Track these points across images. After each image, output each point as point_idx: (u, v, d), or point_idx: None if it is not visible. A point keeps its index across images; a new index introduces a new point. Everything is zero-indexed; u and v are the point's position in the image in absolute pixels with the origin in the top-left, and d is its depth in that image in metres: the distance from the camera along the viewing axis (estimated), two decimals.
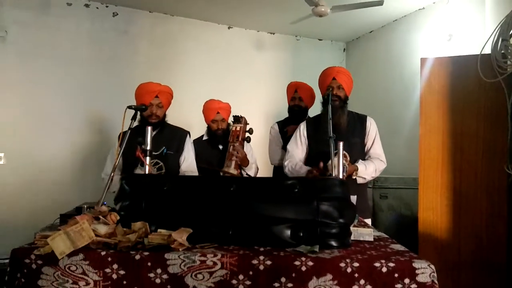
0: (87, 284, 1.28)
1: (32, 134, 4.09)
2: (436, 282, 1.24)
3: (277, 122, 3.25)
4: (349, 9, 3.89)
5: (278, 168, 3.14)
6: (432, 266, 1.25)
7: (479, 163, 2.72)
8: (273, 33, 5.38)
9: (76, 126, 4.29)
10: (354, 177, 2.43)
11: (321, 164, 2.29)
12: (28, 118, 4.09)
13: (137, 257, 1.29)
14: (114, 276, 1.29)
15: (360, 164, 2.45)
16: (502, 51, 2.53)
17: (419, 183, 2.84)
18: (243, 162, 2.78)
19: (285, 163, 2.63)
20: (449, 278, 2.66)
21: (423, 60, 2.92)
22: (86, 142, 4.31)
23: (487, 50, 2.67)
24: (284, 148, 2.94)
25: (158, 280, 1.28)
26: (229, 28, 5.13)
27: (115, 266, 1.29)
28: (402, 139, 4.31)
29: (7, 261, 1.38)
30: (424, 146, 2.84)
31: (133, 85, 2.70)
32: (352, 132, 2.54)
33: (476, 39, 3.64)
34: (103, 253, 1.31)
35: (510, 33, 2.51)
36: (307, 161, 2.60)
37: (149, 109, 2.50)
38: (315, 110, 3.01)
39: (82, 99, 4.31)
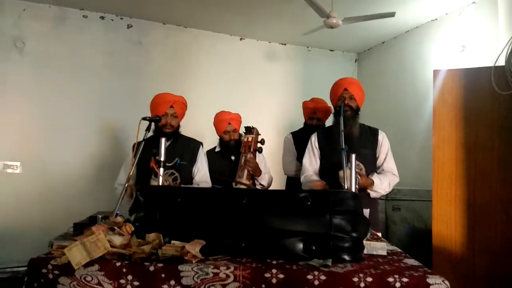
0: None
1: (48, 144, 4.17)
2: None
3: (291, 133, 3.26)
4: (361, 20, 3.90)
5: (291, 179, 3.14)
6: (447, 282, 1.24)
7: (493, 175, 2.68)
8: (285, 44, 5.42)
9: (90, 136, 4.36)
10: (368, 191, 2.42)
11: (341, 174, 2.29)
12: (43, 127, 4.17)
13: (151, 268, 1.31)
14: (129, 287, 1.30)
15: (375, 178, 2.44)
16: None
17: (432, 195, 2.81)
18: (256, 172, 2.79)
19: (302, 179, 2.64)
20: None
21: (435, 72, 2.91)
22: (100, 152, 4.37)
23: (501, 62, 2.65)
24: (299, 159, 2.95)
25: None
26: (241, 39, 5.18)
27: (129, 277, 1.31)
28: (415, 150, 4.28)
29: (21, 268, 1.41)
30: (438, 158, 2.82)
31: (146, 96, 2.74)
32: (363, 144, 2.53)
33: (490, 50, 3.62)
34: (118, 264, 1.33)
35: None
36: (321, 172, 2.60)
37: (164, 119, 2.54)
38: (328, 121, 3.02)
39: (97, 109, 4.38)
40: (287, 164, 3.17)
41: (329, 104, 2.86)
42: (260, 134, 2.97)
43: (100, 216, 2.09)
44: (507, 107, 2.63)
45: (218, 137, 3.05)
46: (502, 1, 3.34)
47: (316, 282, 1.26)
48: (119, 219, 1.61)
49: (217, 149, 3.05)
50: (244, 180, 2.69)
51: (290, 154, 3.16)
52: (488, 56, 3.59)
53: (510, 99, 2.56)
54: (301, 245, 1.42)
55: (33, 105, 4.15)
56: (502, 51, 2.64)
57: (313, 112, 3.14)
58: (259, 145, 2.90)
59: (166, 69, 4.74)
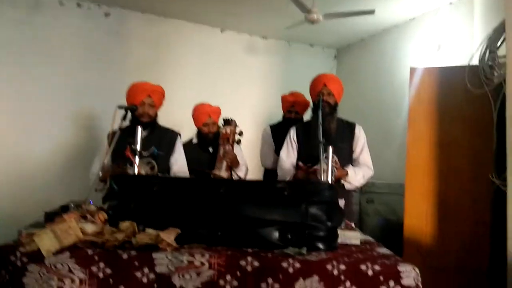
0: (73, 282, 1.27)
1: (19, 133, 4.04)
2: (420, 285, 1.26)
3: (270, 125, 3.27)
4: (341, 16, 3.94)
5: (269, 171, 3.16)
6: (417, 270, 1.27)
7: (465, 172, 2.77)
8: (266, 38, 5.41)
9: (64, 125, 4.24)
10: (343, 182, 2.46)
11: (309, 166, 2.33)
12: (15, 116, 4.03)
13: (125, 256, 1.29)
14: (101, 274, 1.28)
15: (350, 169, 2.49)
16: (490, 63, 2.59)
17: (405, 190, 2.88)
18: (234, 163, 2.79)
19: (278, 171, 2.67)
20: (433, 283, 2.68)
21: (412, 70, 2.97)
22: (74, 141, 4.26)
23: (475, 61, 2.73)
24: (276, 151, 2.96)
25: (145, 280, 1.27)
26: (221, 31, 5.14)
27: (101, 264, 1.29)
28: (392, 146, 4.36)
29: None
30: (412, 154, 2.89)
31: (124, 86, 2.69)
32: (340, 138, 2.57)
33: (465, 50, 3.71)
34: (90, 251, 1.30)
35: (498, 45, 2.57)
36: (298, 165, 2.62)
37: (141, 108, 2.49)
38: (306, 115, 3.04)
39: (72, 98, 4.27)
40: (264, 156, 3.18)
41: (308, 98, 2.89)
42: (238, 126, 2.96)
43: (72, 205, 2.04)
44: (479, 105, 2.71)
45: (196, 129, 3.03)
46: (478, 2, 3.44)
47: (291, 270, 1.27)
48: (92, 207, 1.58)
49: (194, 141, 3.03)
50: (223, 172, 2.68)
51: (267, 146, 3.17)
52: (463, 55, 3.68)
53: (483, 98, 2.63)
54: (277, 234, 1.43)
55: (6, 94, 4.00)
56: (476, 51, 2.72)
57: (291, 106, 3.16)
58: (237, 137, 2.89)
59: (145, 60, 4.65)
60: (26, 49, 4.08)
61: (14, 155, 4.00)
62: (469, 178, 2.74)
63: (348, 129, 2.66)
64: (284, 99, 3.26)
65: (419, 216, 2.81)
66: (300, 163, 2.48)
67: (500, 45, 2.56)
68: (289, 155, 2.66)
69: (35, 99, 4.10)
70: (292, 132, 2.70)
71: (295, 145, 2.67)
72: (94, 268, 1.28)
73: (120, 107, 2.17)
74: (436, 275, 2.68)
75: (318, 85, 2.61)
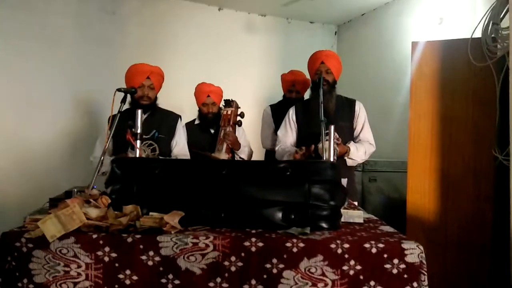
0: (79, 267, 1.28)
1: (19, 118, 4.01)
2: (424, 262, 1.27)
3: (270, 105, 3.24)
4: None
5: (270, 152, 3.15)
6: (421, 247, 1.28)
7: (467, 147, 2.75)
8: (264, 15, 5.31)
9: (64, 109, 4.21)
10: (345, 158, 2.45)
11: (312, 147, 2.30)
12: (14, 101, 4.00)
13: (129, 239, 1.30)
14: (106, 258, 1.29)
15: (352, 146, 2.48)
16: (493, 35, 2.54)
17: (407, 167, 2.87)
18: (235, 145, 2.78)
19: (276, 148, 2.66)
20: (436, 259, 2.72)
21: (414, 44, 2.91)
22: (74, 126, 4.25)
23: (478, 34, 2.68)
24: (277, 132, 2.95)
25: (150, 263, 1.28)
26: (219, 9, 5.04)
27: (107, 248, 1.29)
28: (393, 123, 4.33)
29: None
30: (414, 131, 2.87)
31: (122, 67, 2.65)
32: (340, 115, 2.55)
33: (467, 23, 3.64)
34: (94, 236, 1.31)
35: (501, 17, 2.51)
36: (298, 145, 2.61)
37: (141, 91, 2.47)
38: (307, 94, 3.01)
39: (70, 82, 4.22)
40: (264, 137, 3.17)
41: (308, 76, 2.85)
42: (239, 108, 2.94)
43: (75, 190, 2.05)
44: (482, 79, 2.67)
45: (198, 109, 3.00)
46: None
47: (295, 250, 1.27)
48: (95, 191, 1.58)
49: (196, 122, 3.01)
50: (223, 154, 2.68)
51: (268, 127, 3.15)
52: (466, 29, 3.61)
53: (486, 71, 2.60)
54: (280, 214, 1.43)
55: (2, 78, 3.96)
56: (478, 23, 2.66)
57: (292, 85, 3.12)
58: (238, 118, 2.87)
59: (142, 40, 4.58)
60: (20, 31, 4.01)
61: (15, 142, 3.99)
62: (472, 153, 2.73)
63: (348, 106, 2.64)
64: (284, 79, 3.21)
65: (421, 193, 2.81)
66: (297, 149, 2.45)
67: (503, 17, 2.51)
68: (287, 135, 2.64)
69: (32, 83, 4.06)
70: (292, 112, 2.67)
71: (294, 125, 2.64)
72: (99, 253, 1.29)
73: (119, 90, 2.15)
74: (440, 251, 2.71)
75: (315, 63, 2.56)
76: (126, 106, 2.25)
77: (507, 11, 2.39)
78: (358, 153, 2.49)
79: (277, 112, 3.08)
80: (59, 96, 4.18)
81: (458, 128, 2.78)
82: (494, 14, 2.54)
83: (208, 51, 4.90)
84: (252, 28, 5.23)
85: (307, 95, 2.90)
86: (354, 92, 3.02)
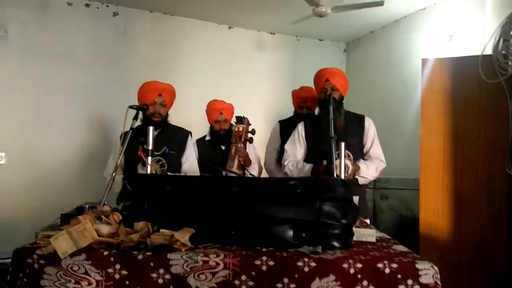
0: (90, 284, 1.28)
1: (33, 134, 4.09)
2: (439, 283, 1.24)
3: (279, 121, 3.24)
4: (350, 9, 3.89)
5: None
6: (435, 267, 1.25)
7: (480, 164, 2.71)
8: (274, 33, 5.38)
9: (77, 126, 4.28)
10: (356, 177, 2.43)
11: (324, 163, 2.29)
12: (28, 118, 4.08)
13: (140, 257, 1.29)
14: (117, 276, 1.28)
15: (362, 164, 2.45)
16: (503, 52, 2.53)
17: (420, 184, 2.83)
18: (246, 162, 2.78)
19: (285, 163, 2.61)
20: (450, 279, 2.65)
21: (424, 61, 2.91)
22: (87, 142, 4.30)
23: (488, 51, 2.67)
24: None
25: (160, 281, 1.28)
26: (229, 28, 5.13)
27: (117, 266, 1.29)
28: (403, 140, 4.31)
29: (8, 260, 1.38)
30: (425, 147, 2.84)
31: (133, 85, 2.69)
32: (350, 132, 2.53)
33: (477, 40, 3.64)
34: (105, 253, 1.31)
35: (511, 33, 2.51)
36: (306, 161, 2.59)
37: (152, 108, 2.50)
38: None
39: (83, 99, 4.30)
40: (267, 152, 3.16)
41: None
42: (250, 124, 2.96)
43: (87, 206, 2.06)
44: (494, 96, 2.65)
45: (209, 126, 3.03)
46: None
47: (306, 269, 1.26)
48: (106, 208, 1.59)
49: (207, 138, 3.03)
50: (235, 169, 2.68)
51: (273, 143, 3.15)
52: (475, 45, 3.60)
53: (497, 88, 2.58)
54: (291, 232, 1.42)
55: (18, 95, 4.05)
56: (489, 40, 2.66)
57: (303, 102, 3.12)
58: (249, 135, 2.88)
59: (153, 59, 4.66)
60: (35, 50, 4.12)
61: (28, 157, 4.05)
62: (485, 171, 2.69)
63: (357, 122, 2.62)
64: (294, 95, 3.23)
65: (434, 211, 2.77)
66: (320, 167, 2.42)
67: None
68: (295, 150, 2.61)
69: (45, 100, 4.14)
70: (301, 127, 2.65)
71: (303, 141, 2.62)
72: (110, 270, 1.29)
73: (131, 107, 2.18)
74: (454, 272, 2.64)
75: (320, 81, 2.57)
76: (138, 122, 2.27)
77: None
78: (368, 171, 2.46)
79: (287, 128, 3.08)
80: (71, 112, 4.25)
81: (470, 145, 2.74)
82: (504, 30, 2.54)
83: (218, 68, 4.97)
84: (261, 46, 5.29)
85: (316, 111, 2.90)
86: (364, 109, 3.02)
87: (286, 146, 2.65)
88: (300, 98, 3.14)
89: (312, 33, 5.39)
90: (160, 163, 2.38)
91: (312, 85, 3.16)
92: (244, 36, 5.20)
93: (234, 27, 5.14)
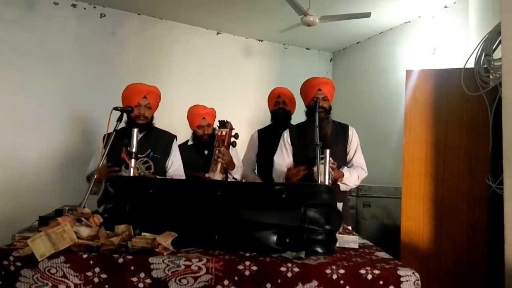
0: (68, 287, 1.25)
1: (14, 135, 3.99)
2: None
3: (258, 130, 3.23)
4: (337, 19, 3.94)
5: (264, 173, 3.12)
6: (417, 274, 1.26)
7: (461, 174, 2.77)
8: (262, 40, 5.41)
9: (59, 127, 4.20)
10: (338, 183, 2.45)
11: (305, 168, 2.32)
12: (10, 118, 3.99)
13: (120, 260, 1.27)
14: (96, 279, 1.26)
15: (346, 171, 2.49)
16: (485, 66, 2.59)
17: (402, 193, 2.87)
18: (229, 165, 2.77)
19: (273, 175, 2.65)
20: (430, 287, 2.68)
21: (408, 72, 2.97)
22: (69, 144, 4.23)
23: (470, 64, 2.74)
24: (264, 154, 2.96)
25: (141, 285, 1.25)
26: (217, 33, 5.14)
27: (97, 269, 1.26)
28: (388, 149, 4.37)
29: None
30: (408, 157, 2.88)
31: (119, 87, 2.66)
32: (335, 140, 2.57)
33: (459, 53, 3.73)
34: (84, 256, 1.28)
35: (493, 48, 2.58)
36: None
37: (137, 110, 2.47)
38: (296, 117, 3.02)
39: (67, 100, 4.23)
40: (244, 160, 3.15)
41: (299, 100, 2.88)
42: (234, 129, 2.94)
43: (66, 209, 2.02)
44: (475, 108, 2.72)
45: (192, 131, 3.00)
46: (473, 6, 3.46)
47: (289, 274, 1.25)
48: (87, 210, 1.55)
49: (190, 143, 3.00)
50: (217, 174, 2.66)
51: (250, 151, 3.14)
52: (458, 59, 3.70)
53: (478, 100, 2.64)
54: (274, 238, 1.41)
55: None
56: (471, 54, 2.73)
57: (277, 96, 3.11)
58: (232, 139, 2.87)
59: (140, 61, 4.63)
60: (19, 49, 4.04)
61: (7, 158, 3.96)
62: (466, 181, 2.74)
63: (341, 131, 2.67)
64: (270, 95, 3.22)
65: (415, 220, 2.80)
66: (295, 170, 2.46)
67: (496, 48, 2.57)
68: (283, 158, 2.64)
69: (28, 101, 4.06)
70: (286, 135, 2.68)
71: (289, 148, 2.65)
72: (89, 273, 1.25)
73: (116, 108, 2.15)
74: (434, 279, 2.68)
75: (312, 90, 2.60)
76: (122, 124, 2.24)
77: (500, 42, 2.45)
78: (351, 178, 2.51)
79: (265, 136, 3.09)
80: (54, 113, 4.17)
81: (452, 156, 2.80)
82: (487, 45, 2.60)
83: (205, 73, 4.97)
84: (249, 52, 5.32)
85: (300, 118, 2.89)
86: (349, 118, 3.05)
87: (275, 158, 2.67)
88: (274, 94, 3.14)
89: (300, 42, 5.45)
90: (146, 165, 2.35)
91: (298, 93, 3.18)
92: (232, 42, 5.22)
93: (222, 32, 5.15)
